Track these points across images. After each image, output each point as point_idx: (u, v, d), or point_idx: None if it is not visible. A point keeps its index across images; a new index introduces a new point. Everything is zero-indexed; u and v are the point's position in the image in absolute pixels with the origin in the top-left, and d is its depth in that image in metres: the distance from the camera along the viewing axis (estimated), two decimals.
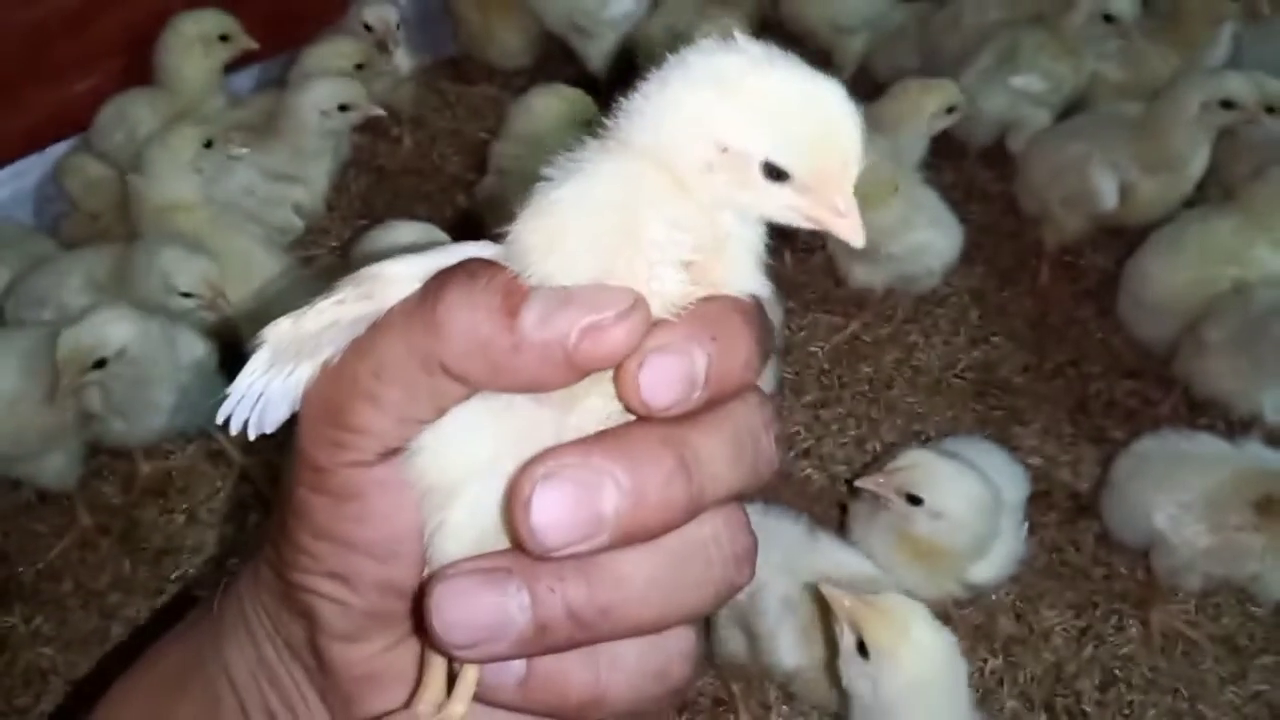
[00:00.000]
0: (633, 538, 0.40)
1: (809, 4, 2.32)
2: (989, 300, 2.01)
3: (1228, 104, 1.79)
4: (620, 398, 0.39)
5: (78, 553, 1.65)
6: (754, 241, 0.42)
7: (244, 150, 1.86)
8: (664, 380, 0.38)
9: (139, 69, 2.03)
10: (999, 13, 2.22)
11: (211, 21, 2.00)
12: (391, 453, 0.42)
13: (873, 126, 1.92)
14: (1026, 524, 1.47)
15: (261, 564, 0.47)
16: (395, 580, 0.44)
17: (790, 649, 1.26)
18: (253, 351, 0.44)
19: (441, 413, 0.41)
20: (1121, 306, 1.88)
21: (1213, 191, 1.93)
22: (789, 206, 0.41)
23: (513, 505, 0.39)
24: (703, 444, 0.40)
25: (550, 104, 1.90)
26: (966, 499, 1.30)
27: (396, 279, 0.42)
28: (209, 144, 1.79)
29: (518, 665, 0.42)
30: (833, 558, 1.31)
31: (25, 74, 1.94)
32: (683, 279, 0.40)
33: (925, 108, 1.96)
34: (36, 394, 1.46)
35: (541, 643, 0.41)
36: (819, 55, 2.40)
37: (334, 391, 0.42)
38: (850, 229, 0.40)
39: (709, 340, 0.39)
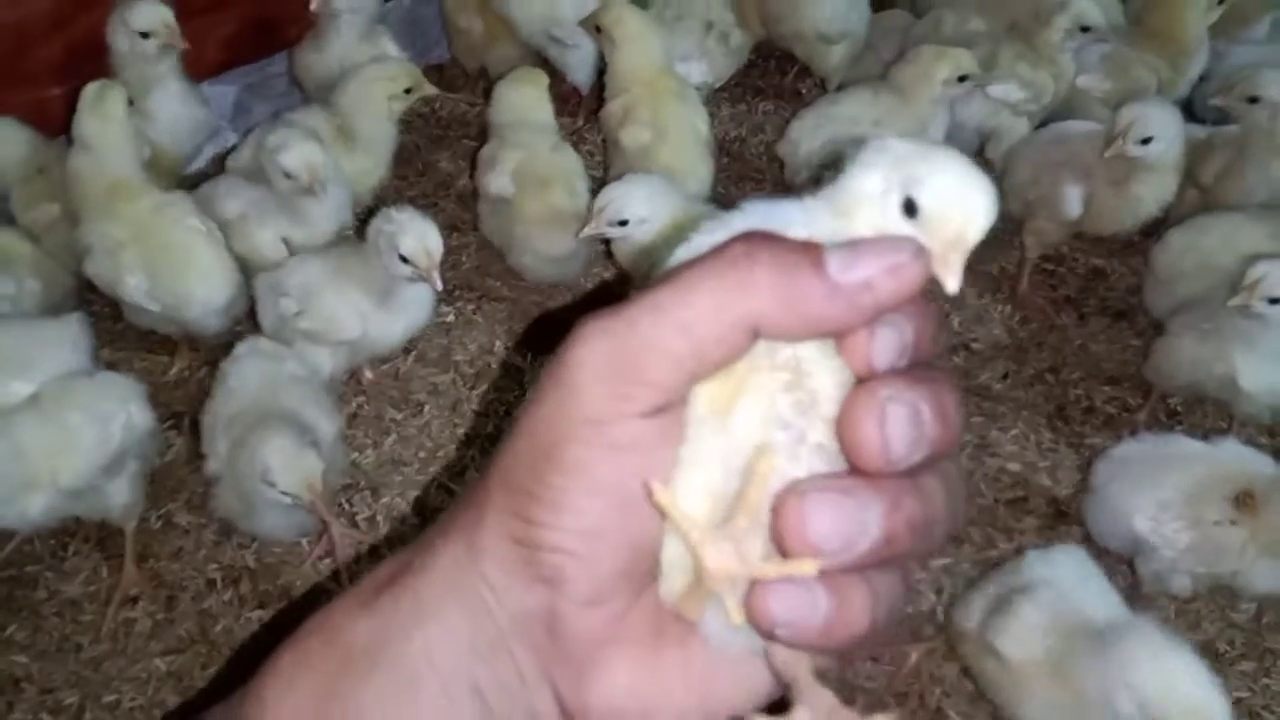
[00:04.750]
0: (945, 453, 0.44)
1: (793, 15, 2.29)
2: (968, 307, 2.02)
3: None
4: (850, 362, 0.44)
5: (51, 560, 1.63)
6: None
7: None
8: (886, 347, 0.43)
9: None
10: (979, 23, 2.24)
11: (144, 15, 1.90)
12: (662, 408, 0.44)
13: (889, 90, 1.98)
14: None
15: (483, 537, 0.47)
16: (645, 535, 0.46)
17: None
18: None
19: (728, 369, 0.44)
20: (1148, 295, 1.90)
21: (1188, 194, 1.95)
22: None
23: (866, 427, 0.42)
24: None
25: (515, 92, 1.96)
26: None
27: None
28: (133, 103, 1.79)
29: (825, 604, 0.43)
30: None
31: (2, 77, 1.92)
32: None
33: (937, 74, 1.98)
34: None
35: (879, 554, 0.43)
36: (802, 68, 2.42)
37: (627, 347, 0.44)
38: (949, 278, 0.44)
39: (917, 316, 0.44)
